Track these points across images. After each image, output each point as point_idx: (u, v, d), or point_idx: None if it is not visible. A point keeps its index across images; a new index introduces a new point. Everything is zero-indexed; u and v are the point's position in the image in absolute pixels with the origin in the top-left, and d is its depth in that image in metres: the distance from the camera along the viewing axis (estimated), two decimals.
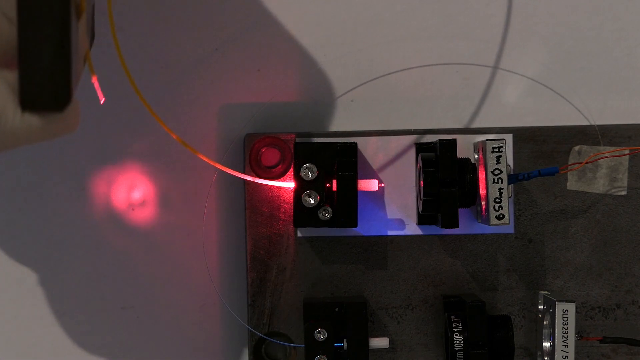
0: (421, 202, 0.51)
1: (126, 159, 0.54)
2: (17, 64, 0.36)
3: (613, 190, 0.53)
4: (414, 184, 0.53)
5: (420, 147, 0.52)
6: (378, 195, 0.53)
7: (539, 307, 0.52)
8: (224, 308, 0.54)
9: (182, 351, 0.54)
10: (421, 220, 0.52)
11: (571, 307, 0.49)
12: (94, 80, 0.43)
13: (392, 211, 0.53)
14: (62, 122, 0.38)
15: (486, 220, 0.50)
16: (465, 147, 0.52)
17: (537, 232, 0.53)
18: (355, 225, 0.49)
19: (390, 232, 0.53)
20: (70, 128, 0.38)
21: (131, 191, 0.54)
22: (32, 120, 0.37)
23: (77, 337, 0.54)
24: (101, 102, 0.44)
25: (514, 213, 0.53)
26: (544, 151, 0.53)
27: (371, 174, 0.53)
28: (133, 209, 0.54)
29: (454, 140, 0.50)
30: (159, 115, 0.53)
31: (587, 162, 0.52)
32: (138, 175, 0.54)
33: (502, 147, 0.49)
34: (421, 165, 0.50)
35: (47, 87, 0.36)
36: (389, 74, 0.54)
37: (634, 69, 0.54)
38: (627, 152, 0.52)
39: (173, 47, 0.54)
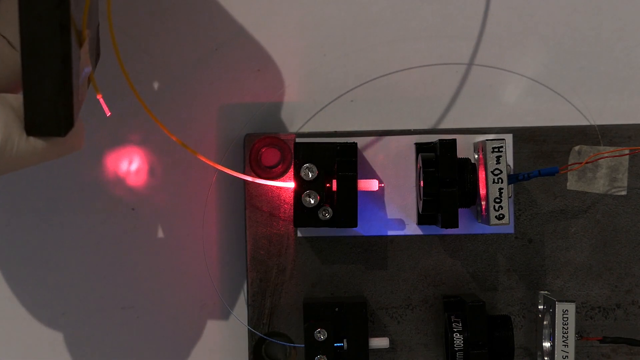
0: (421, 202, 0.51)
1: (126, 159, 0.54)
2: (22, 93, 0.38)
3: (613, 190, 0.53)
4: (414, 184, 0.53)
5: (420, 147, 0.52)
6: (378, 195, 0.53)
7: (539, 307, 0.52)
8: (224, 308, 0.54)
9: (182, 351, 0.54)
10: (421, 220, 0.52)
11: (571, 307, 0.49)
12: (99, 97, 0.44)
13: (392, 211, 0.53)
14: (66, 144, 0.40)
15: (486, 220, 0.50)
16: (465, 147, 0.52)
17: (537, 232, 0.53)
18: (355, 225, 0.49)
19: (390, 232, 0.53)
20: (75, 148, 0.41)
21: (131, 191, 0.54)
22: (37, 143, 0.39)
23: (77, 337, 0.54)
24: (108, 115, 0.46)
25: (514, 213, 0.53)
26: (544, 151, 0.53)
27: (371, 174, 0.53)
28: (133, 209, 0.54)
29: (454, 140, 0.50)
30: (160, 115, 0.53)
31: (587, 162, 0.52)
32: (138, 175, 0.54)
33: (502, 147, 0.49)
34: (421, 165, 0.50)
35: (50, 115, 0.38)
36: (389, 74, 0.54)
37: (634, 69, 0.54)
38: (627, 152, 0.52)
39: (173, 47, 0.54)
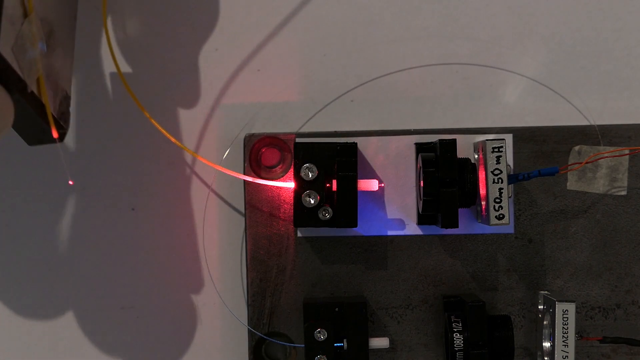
0: (421, 202, 0.51)
1: (126, 160, 0.54)
2: None
3: (613, 190, 0.53)
4: (414, 184, 0.53)
5: (420, 147, 0.52)
6: (378, 195, 0.53)
7: (539, 307, 0.52)
8: (224, 308, 0.54)
9: (182, 351, 0.54)
10: (421, 220, 0.52)
11: (571, 307, 0.49)
12: (55, 136, 0.44)
13: (392, 211, 0.53)
14: None
15: (486, 220, 0.50)
16: (465, 147, 0.52)
17: (537, 232, 0.53)
18: (355, 225, 0.49)
19: (390, 232, 0.53)
20: (4, 120, 0.40)
21: (132, 191, 0.54)
22: None
23: (77, 337, 0.54)
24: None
25: (514, 213, 0.53)
26: (544, 151, 0.53)
27: (371, 174, 0.53)
28: (133, 209, 0.54)
29: (454, 140, 0.50)
30: (159, 115, 0.53)
31: (587, 162, 0.52)
32: (138, 175, 0.54)
33: (502, 147, 0.49)
34: (421, 165, 0.50)
35: None
36: (389, 74, 0.54)
37: (634, 69, 0.54)
38: (627, 152, 0.52)
39: (173, 47, 0.54)
